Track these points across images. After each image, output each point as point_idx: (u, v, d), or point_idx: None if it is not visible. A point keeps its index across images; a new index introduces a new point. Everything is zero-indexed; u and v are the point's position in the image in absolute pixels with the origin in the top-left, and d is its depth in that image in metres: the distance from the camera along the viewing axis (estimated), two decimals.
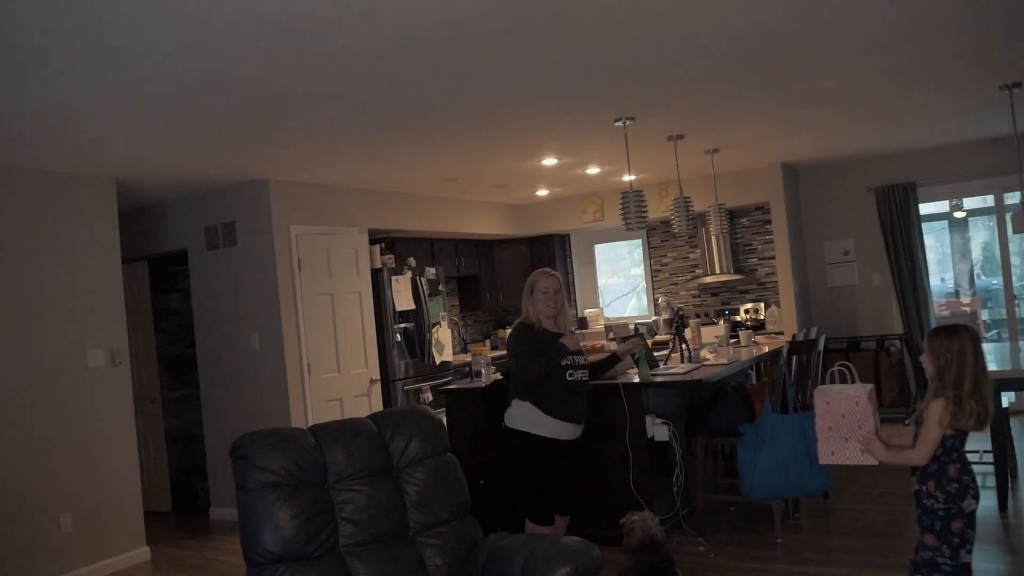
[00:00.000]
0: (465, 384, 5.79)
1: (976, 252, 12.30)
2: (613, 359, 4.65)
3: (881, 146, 7.79)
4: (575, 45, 3.85)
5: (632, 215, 5.47)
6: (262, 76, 3.90)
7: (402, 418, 3.50)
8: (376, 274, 7.21)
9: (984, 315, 11.66)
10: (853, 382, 3.26)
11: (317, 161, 6.03)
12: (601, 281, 10.33)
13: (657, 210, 8.53)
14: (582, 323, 9.82)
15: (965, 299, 11.94)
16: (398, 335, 7.30)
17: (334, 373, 6.69)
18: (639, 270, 10.03)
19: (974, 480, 2.91)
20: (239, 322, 6.58)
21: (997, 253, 12.44)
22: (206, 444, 6.88)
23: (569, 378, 4.22)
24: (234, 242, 6.57)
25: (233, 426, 6.55)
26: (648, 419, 4.91)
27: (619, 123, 5.41)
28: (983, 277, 12.36)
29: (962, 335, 2.91)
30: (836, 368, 3.36)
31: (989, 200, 10.20)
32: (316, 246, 6.66)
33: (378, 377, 7.02)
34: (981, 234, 12.33)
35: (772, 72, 4.65)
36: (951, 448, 2.89)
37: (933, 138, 7.62)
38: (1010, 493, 5.21)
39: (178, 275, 7.50)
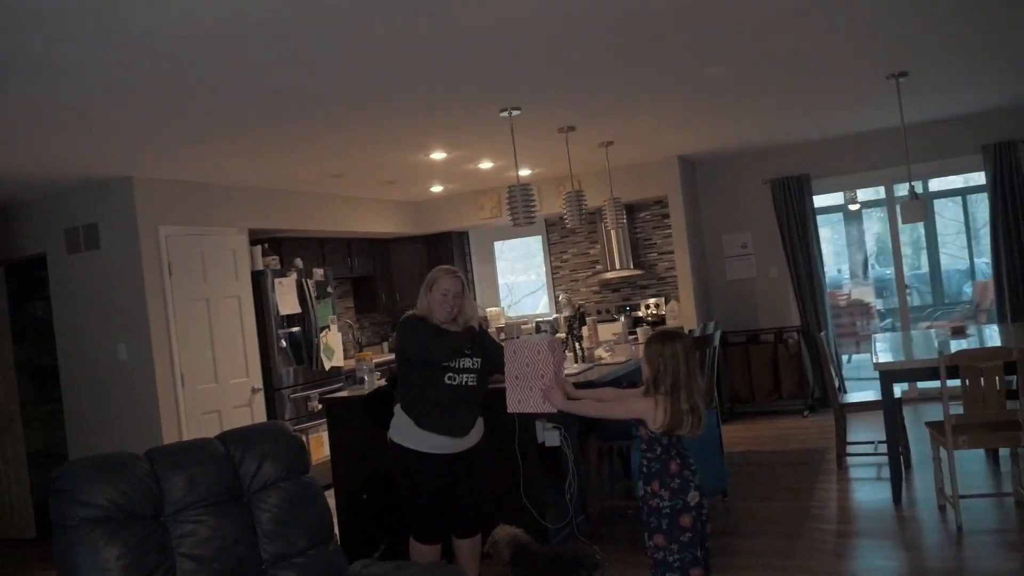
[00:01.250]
0: (347, 391, 5.45)
1: (871, 243, 12.60)
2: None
3: (776, 138, 7.77)
4: (446, 24, 3.56)
5: (520, 210, 5.22)
6: (112, 57, 3.48)
7: (254, 436, 3.15)
8: (258, 277, 6.78)
9: (878, 304, 11.93)
10: None
11: (187, 156, 5.58)
12: (511, 278, 10.07)
13: (555, 205, 8.33)
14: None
15: (857, 290, 12.21)
16: (283, 340, 6.89)
17: (211, 383, 6.24)
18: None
19: (695, 473, 3.01)
20: (104, 331, 6.07)
21: (890, 243, 12.78)
22: None
23: (448, 382, 3.79)
24: (97, 245, 6.05)
25: (100, 444, 6.05)
26: (538, 424, 4.66)
27: (504, 113, 5.15)
28: (877, 268, 12.67)
29: (675, 342, 2.98)
30: None
31: (881, 192, 10.41)
32: (189, 248, 6.20)
33: (260, 386, 6.60)
34: (875, 225, 12.66)
35: (656, 58, 4.46)
36: (669, 445, 2.98)
37: (826, 130, 7.63)
38: (904, 484, 5.18)
39: (43, 281, 6.90)
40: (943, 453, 4.61)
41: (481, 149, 6.45)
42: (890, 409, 4.96)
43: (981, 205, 10.61)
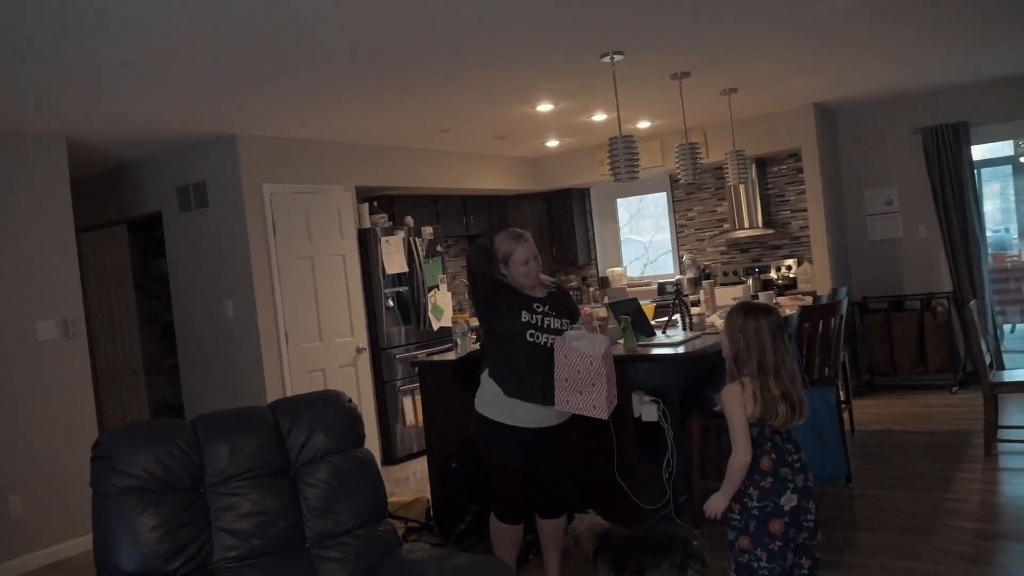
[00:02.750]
0: (455, 354, 5.25)
1: None
2: None
3: (927, 81, 6.92)
4: None
5: (622, 164, 4.81)
6: (203, 10, 3.38)
7: (306, 406, 2.98)
8: (364, 235, 6.69)
9: None
10: None
11: (291, 113, 5.50)
12: (652, 235, 9.57)
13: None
14: (604, 283, 9.19)
15: None
16: (390, 300, 6.80)
17: (316, 342, 6.23)
18: None
19: (797, 472, 2.62)
20: (213, 289, 6.16)
21: None
22: (186, 418, 6.50)
23: (531, 339, 3.43)
24: (206, 203, 6.12)
25: (211, 398, 6.20)
26: (634, 396, 4.32)
27: (606, 59, 4.74)
28: None
29: (760, 317, 2.62)
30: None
31: None
32: (293, 206, 6.16)
33: (365, 346, 6.55)
34: None
35: None
36: (760, 437, 2.61)
37: (986, 70, 6.72)
38: None
39: (163, 238, 7.10)
40: None
41: (590, 100, 6.05)
42: None
43: None
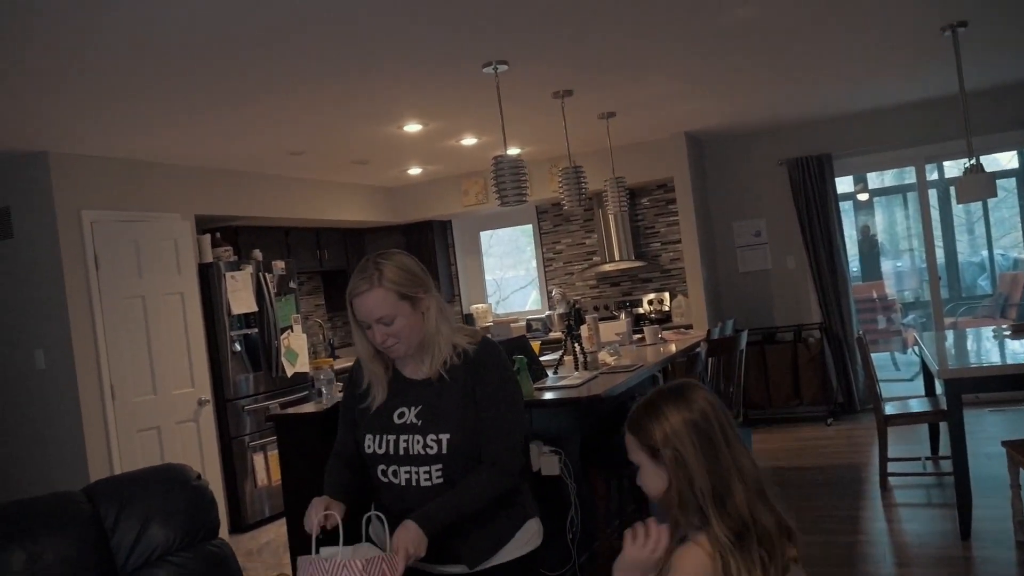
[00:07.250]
0: (313, 405, 4.54)
1: (880, 234, 11.83)
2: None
3: (794, 113, 6.90)
4: None
5: (508, 187, 4.34)
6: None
7: (138, 488, 2.26)
8: (206, 270, 5.87)
9: (896, 299, 11.11)
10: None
11: (113, 127, 4.69)
12: (499, 273, 9.17)
13: (547, 189, 7.48)
14: (468, 320, 8.67)
15: (868, 283, 11.37)
16: (237, 344, 5.98)
17: (148, 395, 5.34)
18: None
19: None
20: (20, 336, 5.15)
21: (901, 231, 11.99)
22: None
23: (383, 479, 2.10)
24: (9, 233, 5.13)
25: (20, 467, 5.18)
26: (533, 447, 3.79)
27: (488, 69, 4.26)
28: (884, 260, 11.89)
29: (692, 399, 1.57)
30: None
31: (905, 175, 9.60)
32: (120, 236, 5.29)
33: (209, 397, 5.70)
34: (882, 215, 11.92)
35: None
36: None
37: (849, 103, 6.75)
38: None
39: None
40: None
41: (462, 119, 5.56)
42: (958, 425, 4.10)
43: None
